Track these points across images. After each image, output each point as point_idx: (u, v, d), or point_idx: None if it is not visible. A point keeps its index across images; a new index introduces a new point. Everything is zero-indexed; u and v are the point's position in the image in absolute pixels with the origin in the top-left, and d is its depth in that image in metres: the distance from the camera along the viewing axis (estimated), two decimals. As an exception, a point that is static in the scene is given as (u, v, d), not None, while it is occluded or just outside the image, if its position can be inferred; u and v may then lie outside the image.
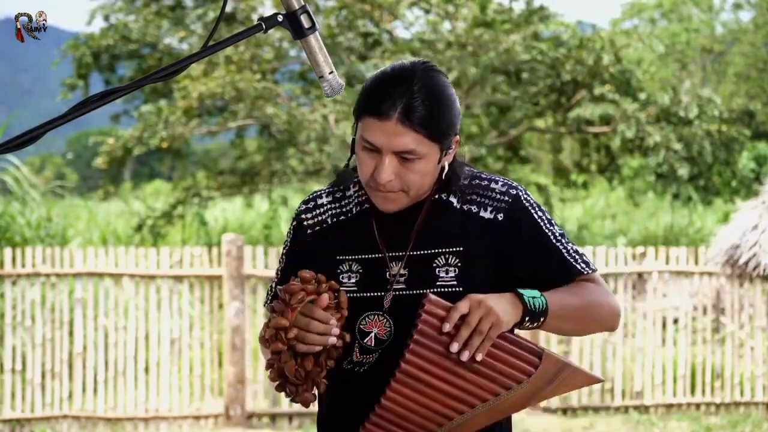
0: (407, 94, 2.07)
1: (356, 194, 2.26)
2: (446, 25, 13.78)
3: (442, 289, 2.12)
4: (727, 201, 18.10)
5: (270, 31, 2.19)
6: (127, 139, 13.14)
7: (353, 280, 2.18)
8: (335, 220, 2.26)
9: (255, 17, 13.51)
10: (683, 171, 13.84)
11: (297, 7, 1.91)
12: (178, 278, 8.04)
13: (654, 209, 18.32)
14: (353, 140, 2.17)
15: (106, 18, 14.34)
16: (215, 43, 1.83)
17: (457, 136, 2.16)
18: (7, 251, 7.96)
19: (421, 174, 2.11)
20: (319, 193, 2.31)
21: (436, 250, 2.15)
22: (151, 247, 8.79)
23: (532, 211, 2.17)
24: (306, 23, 1.92)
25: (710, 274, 8.53)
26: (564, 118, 14.34)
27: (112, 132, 15.48)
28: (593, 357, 8.38)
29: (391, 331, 2.14)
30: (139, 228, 13.39)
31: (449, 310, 1.98)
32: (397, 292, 2.15)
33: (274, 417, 8.08)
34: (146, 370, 8.01)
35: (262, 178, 13.80)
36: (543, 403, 8.30)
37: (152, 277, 7.98)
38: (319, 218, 2.27)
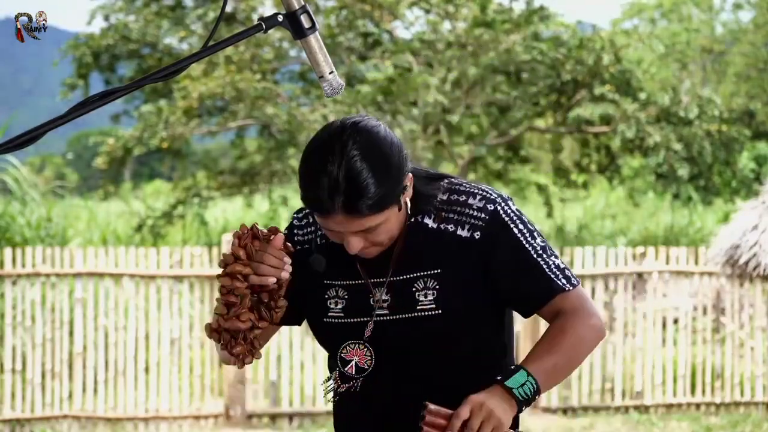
0: (341, 186, 1.98)
1: None
2: (446, 25, 13.78)
3: (422, 313, 2.09)
4: (727, 201, 18.09)
5: (270, 31, 2.18)
6: (127, 139, 13.14)
7: (339, 306, 2.16)
8: (323, 241, 2.21)
9: (255, 17, 13.51)
10: (683, 171, 13.84)
11: (297, 7, 1.91)
12: (178, 278, 8.04)
13: (654, 209, 18.31)
14: None
15: (106, 18, 14.35)
16: (215, 43, 1.82)
17: (408, 175, 2.09)
18: (7, 251, 7.96)
19: (387, 230, 2.07)
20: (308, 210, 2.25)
21: (415, 274, 2.11)
22: (151, 247, 8.79)
23: (512, 226, 2.11)
24: (306, 23, 1.92)
25: (710, 274, 8.53)
26: (564, 118, 14.34)
27: (112, 132, 15.48)
28: (593, 357, 8.38)
29: (372, 359, 2.13)
30: (139, 228, 13.39)
31: (450, 418, 1.97)
32: (380, 318, 2.12)
33: (274, 417, 8.08)
34: (146, 370, 8.01)
35: (262, 178, 13.80)
36: (543, 403, 8.30)
37: (152, 277, 7.98)
38: (309, 236, 2.23)
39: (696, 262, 8.60)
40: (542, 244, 2.13)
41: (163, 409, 7.99)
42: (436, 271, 2.10)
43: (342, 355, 2.15)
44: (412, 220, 2.14)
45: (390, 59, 13.06)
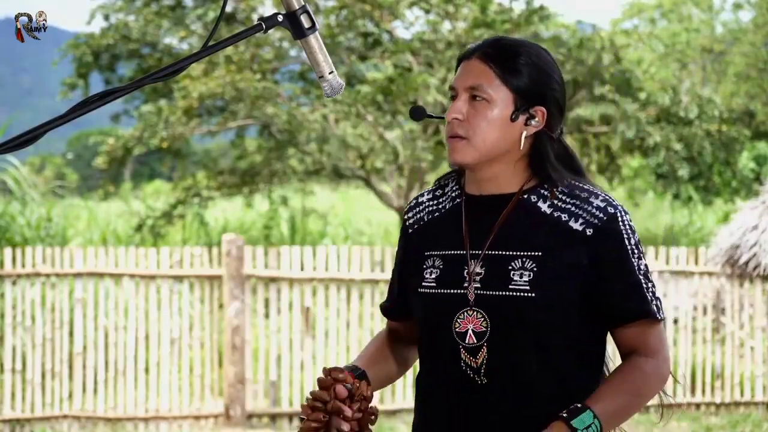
0: (499, 41, 2.14)
1: (452, 189, 2.24)
2: (446, 25, 13.78)
3: (514, 293, 2.08)
4: (727, 201, 18.09)
5: (270, 31, 2.19)
6: (127, 139, 13.13)
7: (433, 276, 2.15)
8: (431, 216, 2.24)
9: (255, 17, 13.51)
10: (683, 171, 13.84)
11: (297, 7, 1.91)
12: (178, 278, 8.04)
13: (654, 209, 18.32)
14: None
15: (106, 17, 14.34)
16: (215, 43, 1.83)
17: (544, 110, 2.13)
18: (7, 251, 7.96)
19: (488, 121, 2.10)
20: (423, 192, 2.30)
21: (514, 252, 2.10)
22: (151, 247, 8.79)
23: (626, 236, 2.10)
24: (306, 23, 1.92)
25: (710, 274, 8.53)
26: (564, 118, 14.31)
27: (112, 132, 15.49)
28: (593, 357, 8.37)
29: (486, 322, 2.09)
30: (139, 228, 13.39)
31: None
32: (475, 291, 2.11)
33: (274, 417, 8.07)
34: (146, 370, 8.01)
35: (262, 178, 13.79)
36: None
37: (152, 277, 7.98)
38: (418, 216, 2.26)
39: (696, 262, 8.60)
40: (645, 267, 2.13)
41: (163, 409, 7.99)
42: (536, 254, 2.09)
43: (457, 330, 2.11)
44: (524, 196, 2.14)
45: (390, 59, 13.06)
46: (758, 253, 7.44)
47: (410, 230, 2.26)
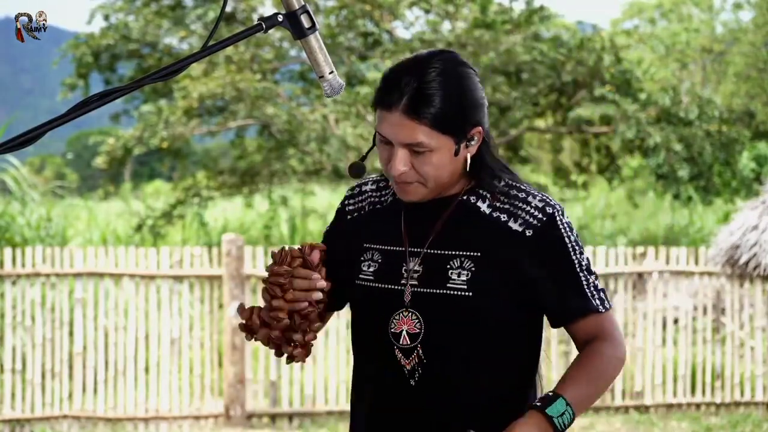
0: (416, 83, 2.06)
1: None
2: (446, 25, 13.79)
3: (452, 292, 2.10)
4: (727, 201, 18.08)
5: (270, 31, 2.19)
6: (127, 139, 13.14)
7: (371, 270, 2.19)
8: (371, 207, 2.26)
9: (255, 17, 13.51)
10: (683, 172, 13.84)
11: (297, 7, 1.91)
12: (178, 278, 8.03)
13: (654, 209, 18.30)
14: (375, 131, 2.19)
15: (106, 17, 14.35)
16: (215, 43, 1.83)
17: (479, 128, 2.12)
18: (7, 251, 7.96)
19: (435, 167, 2.09)
20: (366, 180, 2.31)
21: (453, 252, 2.13)
22: (151, 247, 8.79)
23: (565, 235, 2.13)
24: (306, 23, 1.93)
25: (710, 274, 8.53)
26: (564, 118, 14.33)
27: (112, 132, 15.49)
28: (593, 357, 8.37)
29: (421, 323, 2.12)
30: (139, 228, 13.39)
31: None
32: (412, 289, 2.14)
33: (274, 417, 8.07)
34: (146, 370, 8.01)
35: (262, 178, 13.80)
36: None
37: (152, 277, 7.98)
38: (359, 205, 2.28)
39: (696, 262, 8.60)
40: (586, 261, 2.16)
41: (163, 409, 7.99)
42: (475, 254, 2.11)
43: (392, 330, 2.14)
44: (464, 198, 2.16)
45: (390, 59, 13.06)
46: (758, 253, 7.44)
47: (348, 216, 2.28)
